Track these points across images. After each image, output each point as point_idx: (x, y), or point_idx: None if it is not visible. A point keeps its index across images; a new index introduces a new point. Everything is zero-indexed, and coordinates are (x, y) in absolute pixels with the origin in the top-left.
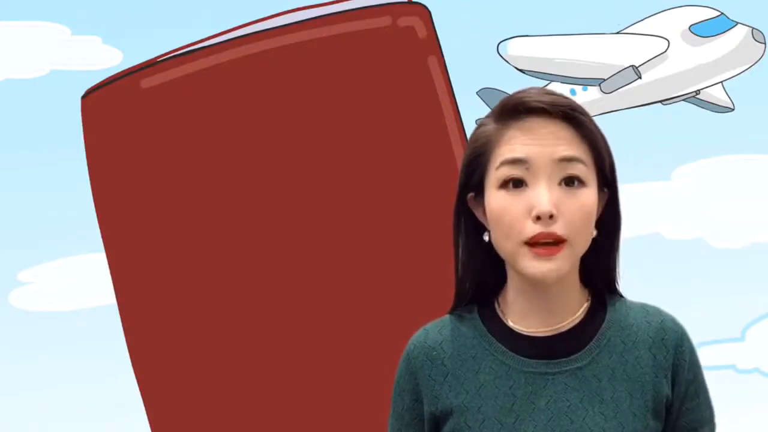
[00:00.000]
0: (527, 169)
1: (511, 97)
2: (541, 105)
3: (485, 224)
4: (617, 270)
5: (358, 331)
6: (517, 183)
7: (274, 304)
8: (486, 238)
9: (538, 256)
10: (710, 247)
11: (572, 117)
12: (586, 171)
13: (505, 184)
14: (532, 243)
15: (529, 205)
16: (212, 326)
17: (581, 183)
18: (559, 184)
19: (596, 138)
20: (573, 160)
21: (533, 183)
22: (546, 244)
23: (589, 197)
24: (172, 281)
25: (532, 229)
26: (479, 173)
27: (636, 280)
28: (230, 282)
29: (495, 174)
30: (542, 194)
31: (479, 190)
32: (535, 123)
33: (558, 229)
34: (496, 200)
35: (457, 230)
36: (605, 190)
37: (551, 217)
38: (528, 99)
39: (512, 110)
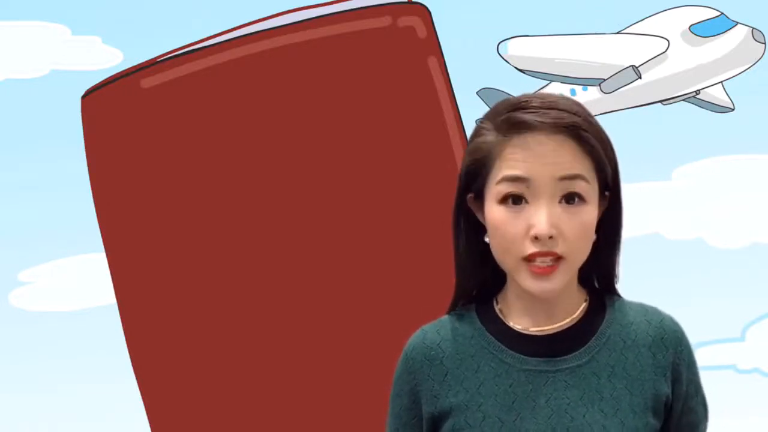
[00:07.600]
0: (527, 186)
1: (512, 110)
2: (543, 123)
3: (485, 224)
4: (617, 272)
5: (357, 332)
6: (517, 199)
7: (274, 304)
8: (486, 239)
9: (536, 275)
10: (710, 247)
11: (575, 132)
12: (587, 187)
13: (504, 200)
14: (530, 259)
15: (529, 224)
16: (212, 326)
17: (582, 200)
18: (560, 201)
19: (599, 151)
20: (574, 178)
21: (533, 201)
22: (543, 262)
23: (589, 214)
24: (172, 281)
25: (531, 248)
26: (479, 183)
27: (636, 280)
28: (230, 282)
29: (495, 188)
30: (542, 215)
31: (479, 194)
32: (536, 139)
33: (557, 248)
34: (496, 215)
35: (456, 230)
36: (606, 193)
37: (550, 237)
38: (530, 118)
39: (514, 125)
